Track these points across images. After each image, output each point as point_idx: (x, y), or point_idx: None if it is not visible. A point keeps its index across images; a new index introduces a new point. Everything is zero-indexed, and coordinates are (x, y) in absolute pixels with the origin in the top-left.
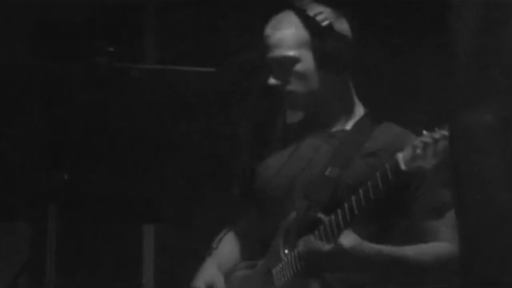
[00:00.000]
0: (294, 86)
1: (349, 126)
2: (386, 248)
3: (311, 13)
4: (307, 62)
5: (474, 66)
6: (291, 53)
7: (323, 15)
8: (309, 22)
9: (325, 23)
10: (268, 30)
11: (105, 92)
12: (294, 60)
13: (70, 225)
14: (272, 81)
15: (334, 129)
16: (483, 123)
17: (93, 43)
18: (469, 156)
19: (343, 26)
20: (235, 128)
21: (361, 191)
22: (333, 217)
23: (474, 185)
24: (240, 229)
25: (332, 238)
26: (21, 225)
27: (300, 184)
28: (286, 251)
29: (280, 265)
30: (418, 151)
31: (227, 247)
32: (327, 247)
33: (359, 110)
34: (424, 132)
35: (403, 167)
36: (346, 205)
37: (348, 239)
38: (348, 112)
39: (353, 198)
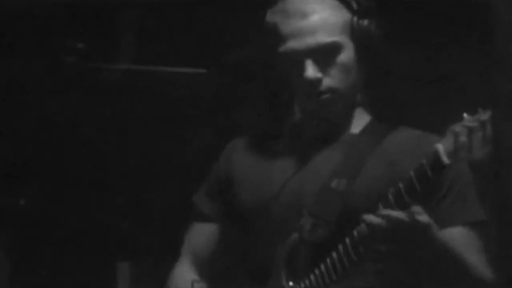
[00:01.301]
0: (335, 81)
1: (356, 130)
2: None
3: None
4: (349, 51)
5: None
6: (335, 38)
7: None
8: (348, 1)
9: (368, 3)
10: (280, 17)
11: (72, 97)
12: (338, 48)
13: (27, 259)
14: (310, 73)
15: (342, 135)
16: None
17: (59, 39)
18: None
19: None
20: (231, 139)
21: (390, 196)
22: (356, 233)
23: None
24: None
25: (350, 265)
26: None
27: (304, 200)
28: (291, 284)
29: None
30: (463, 138)
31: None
32: (402, 215)
33: (364, 114)
34: (465, 115)
35: (445, 160)
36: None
37: (424, 216)
38: (356, 114)
39: (380, 206)
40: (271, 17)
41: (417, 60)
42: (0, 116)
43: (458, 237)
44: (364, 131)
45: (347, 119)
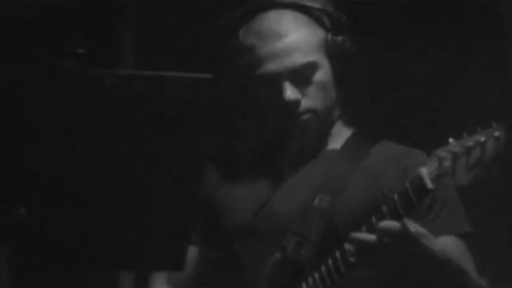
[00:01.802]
0: (314, 101)
1: (337, 145)
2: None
3: (316, 6)
4: (325, 69)
5: None
6: (312, 58)
7: (332, 7)
8: (321, 18)
9: (343, 19)
10: (256, 38)
11: (72, 104)
12: (315, 67)
13: (28, 272)
14: (289, 94)
15: (321, 151)
16: None
17: (58, 43)
18: None
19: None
20: (236, 146)
21: (374, 219)
22: (338, 254)
23: None
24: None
25: (332, 285)
26: None
27: (287, 218)
28: None
29: None
30: (447, 163)
31: None
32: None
33: (344, 129)
34: (451, 140)
35: (429, 184)
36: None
37: (415, 225)
38: (336, 130)
39: (363, 228)
40: (246, 38)
41: (412, 69)
42: None
43: (449, 246)
44: (345, 146)
45: (326, 136)
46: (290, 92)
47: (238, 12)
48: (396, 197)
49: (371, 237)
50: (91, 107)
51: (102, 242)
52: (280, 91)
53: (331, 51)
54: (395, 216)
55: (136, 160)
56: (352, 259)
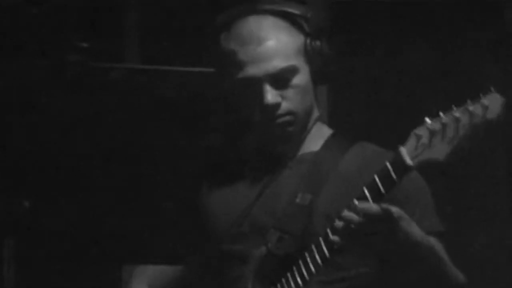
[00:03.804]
0: (293, 103)
1: (316, 147)
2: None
3: (295, 11)
4: (304, 73)
5: None
6: (291, 62)
7: (310, 13)
8: (300, 23)
9: (323, 24)
10: (236, 43)
11: (77, 98)
12: (295, 71)
13: (32, 264)
14: (269, 98)
15: (300, 152)
16: None
17: (63, 37)
18: None
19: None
20: (240, 144)
21: (356, 201)
22: (321, 239)
23: None
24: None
25: (314, 273)
26: None
27: (270, 219)
28: None
29: None
30: (424, 140)
31: None
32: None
33: (323, 129)
34: (427, 119)
35: (408, 161)
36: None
37: (397, 208)
38: (315, 132)
39: (345, 211)
40: (227, 43)
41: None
42: (3, 116)
43: None
44: (324, 147)
45: (305, 137)
46: (270, 96)
47: (220, 18)
48: (376, 176)
49: (356, 217)
50: (95, 100)
51: (104, 236)
52: (260, 94)
53: (310, 55)
54: (377, 195)
55: (139, 154)
56: (335, 239)
